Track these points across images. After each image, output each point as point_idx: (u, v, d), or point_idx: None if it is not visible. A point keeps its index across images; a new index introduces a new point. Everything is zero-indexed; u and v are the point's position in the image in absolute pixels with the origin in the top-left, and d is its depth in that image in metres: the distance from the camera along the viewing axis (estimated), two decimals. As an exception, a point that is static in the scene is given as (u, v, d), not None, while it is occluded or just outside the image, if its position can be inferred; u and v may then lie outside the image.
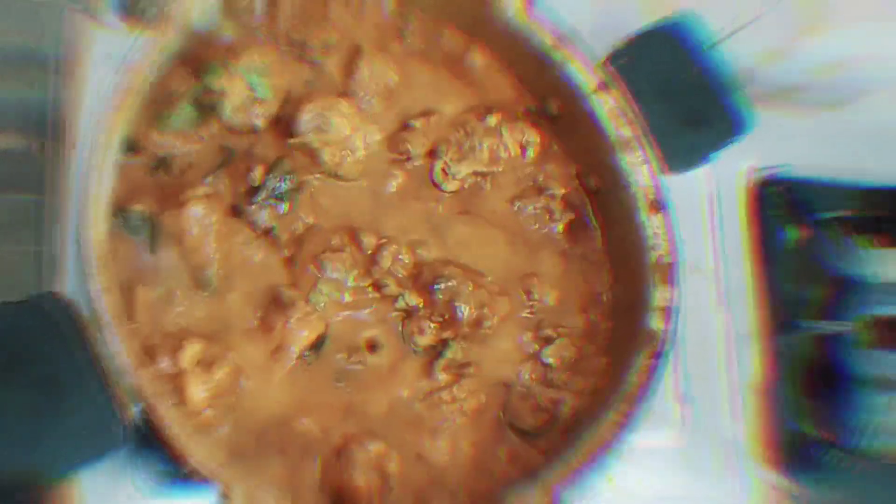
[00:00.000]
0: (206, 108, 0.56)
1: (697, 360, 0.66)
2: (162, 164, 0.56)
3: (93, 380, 0.52)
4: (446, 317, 0.59)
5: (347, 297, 0.59)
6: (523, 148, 0.63)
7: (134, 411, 0.52)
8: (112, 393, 0.51)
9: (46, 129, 0.66)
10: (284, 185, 0.56)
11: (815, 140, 0.74)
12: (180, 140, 0.56)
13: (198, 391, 0.54)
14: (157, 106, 0.55)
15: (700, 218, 0.70)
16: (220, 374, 0.54)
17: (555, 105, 0.63)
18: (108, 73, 0.55)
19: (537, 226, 0.63)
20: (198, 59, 0.56)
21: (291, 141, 0.57)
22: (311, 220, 0.58)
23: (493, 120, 0.62)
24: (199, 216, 0.55)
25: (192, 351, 0.54)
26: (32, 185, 0.66)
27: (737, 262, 0.70)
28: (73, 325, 0.51)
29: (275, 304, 0.57)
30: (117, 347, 0.51)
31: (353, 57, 0.60)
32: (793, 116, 0.74)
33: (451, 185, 0.62)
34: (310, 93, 0.58)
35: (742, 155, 0.68)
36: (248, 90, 0.56)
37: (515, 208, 0.63)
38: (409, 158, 0.61)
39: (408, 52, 0.62)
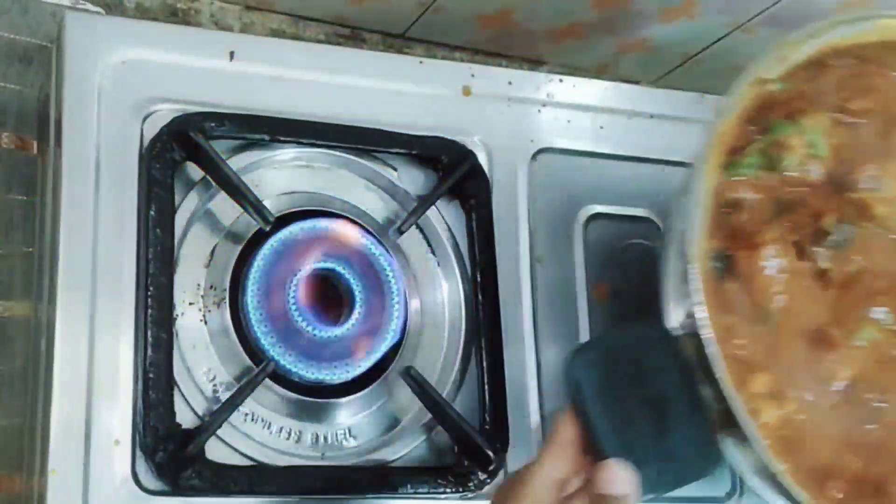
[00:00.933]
0: (771, 159, 0.61)
1: None
2: (732, 206, 0.61)
3: (692, 401, 0.56)
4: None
5: (884, 338, 0.62)
6: None
7: (723, 437, 0.56)
8: (707, 416, 0.56)
9: (43, 128, 0.66)
10: (845, 233, 0.61)
11: None
12: (746, 186, 0.61)
13: (771, 420, 0.58)
14: (727, 155, 0.61)
15: None
16: (789, 407, 0.58)
17: None
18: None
19: None
20: (762, 116, 0.62)
21: (850, 195, 0.62)
22: (862, 264, 0.62)
23: None
24: (772, 257, 0.59)
25: (760, 381, 0.58)
26: (27, 185, 0.67)
27: None
28: (673, 350, 0.57)
29: (819, 341, 0.61)
30: (721, 372, 0.56)
31: (889, 124, 0.65)
32: None
33: None
34: (860, 154, 0.63)
35: None
36: (808, 147, 0.62)
37: None
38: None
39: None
